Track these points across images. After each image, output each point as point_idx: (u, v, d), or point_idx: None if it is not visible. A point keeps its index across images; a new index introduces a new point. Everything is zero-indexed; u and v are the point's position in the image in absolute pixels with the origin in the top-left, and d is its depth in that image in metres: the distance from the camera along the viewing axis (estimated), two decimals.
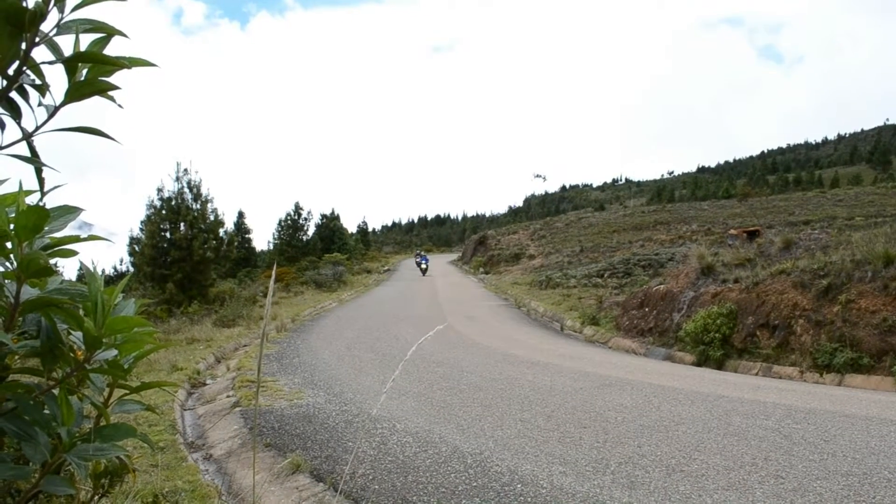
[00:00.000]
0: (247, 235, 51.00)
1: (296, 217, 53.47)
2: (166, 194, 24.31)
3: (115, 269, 51.35)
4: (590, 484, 4.98)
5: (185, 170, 24.72)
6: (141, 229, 24.49)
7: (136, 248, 24.25)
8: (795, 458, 5.64)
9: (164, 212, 24.03)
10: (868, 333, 11.23)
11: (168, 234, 24.06)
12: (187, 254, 23.42)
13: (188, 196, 24.69)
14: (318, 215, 58.76)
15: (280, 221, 53.85)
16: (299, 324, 18.80)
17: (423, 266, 44.22)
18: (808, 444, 6.13)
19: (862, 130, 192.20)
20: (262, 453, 6.28)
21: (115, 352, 1.17)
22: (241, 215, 53.14)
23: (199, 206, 24.69)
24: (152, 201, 24.21)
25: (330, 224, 56.95)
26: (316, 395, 8.74)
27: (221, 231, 25.73)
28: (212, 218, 25.09)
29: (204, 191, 25.12)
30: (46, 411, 1.07)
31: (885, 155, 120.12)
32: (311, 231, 55.07)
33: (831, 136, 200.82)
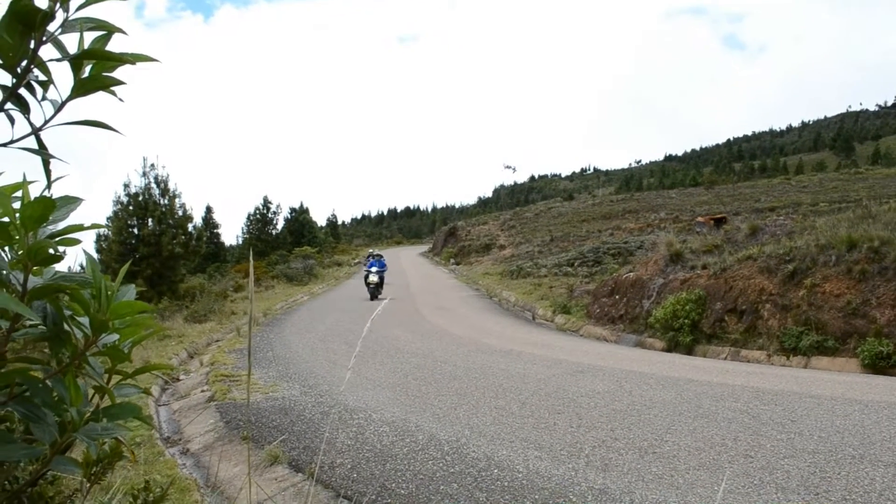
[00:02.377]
0: (215, 230, 50.50)
1: (265, 211, 53.14)
2: (133, 189, 24.00)
3: (81, 266, 50.55)
4: (565, 467, 5.08)
5: (152, 165, 24.45)
6: (107, 226, 24.16)
7: (104, 245, 23.91)
8: (763, 437, 5.79)
9: (131, 207, 23.73)
10: (833, 316, 11.50)
11: (136, 230, 23.78)
12: (156, 249, 23.19)
13: (156, 191, 24.42)
14: (287, 209, 58.34)
15: (249, 216, 53.51)
16: (271, 318, 18.74)
17: (374, 279, 24.00)
18: (775, 424, 6.29)
19: (825, 118, 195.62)
20: (240, 446, 6.30)
21: (116, 336, 1.21)
22: (209, 210, 52.63)
23: (166, 202, 24.44)
24: (119, 197, 23.90)
25: (299, 217, 56.64)
26: (291, 387, 8.76)
27: (190, 226, 25.49)
28: (180, 213, 24.84)
29: (171, 186, 24.87)
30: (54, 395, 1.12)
31: (848, 141, 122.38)
32: (280, 225, 54.78)
33: (795, 124, 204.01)
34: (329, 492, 4.79)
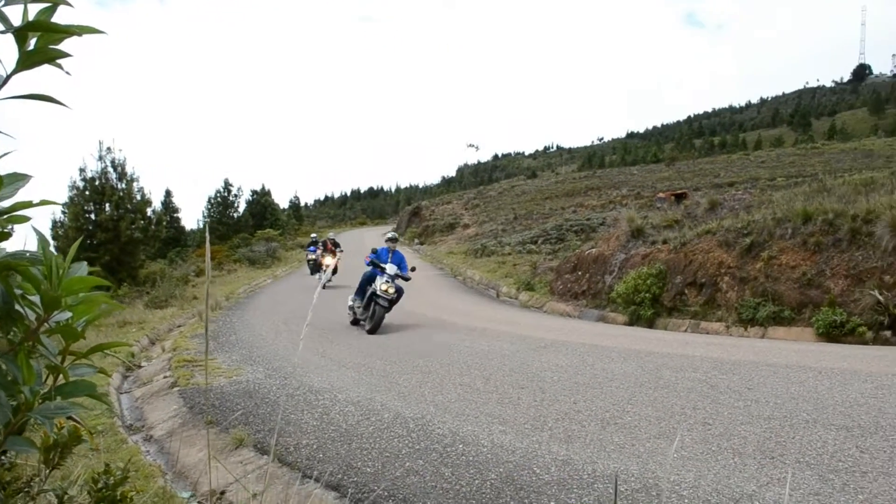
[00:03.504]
0: (175, 214, 49.72)
1: (225, 194, 52.45)
2: (89, 174, 23.55)
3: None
4: (528, 440, 5.15)
5: (109, 148, 24.04)
6: (63, 212, 23.70)
7: (60, 232, 23.45)
8: (721, 405, 5.93)
9: (87, 192, 23.29)
10: (789, 287, 11.76)
11: (93, 216, 23.37)
12: (114, 235, 22.83)
13: (112, 176, 24.01)
14: (249, 191, 57.74)
15: (209, 199, 52.77)
16: (234, 301, 18.59)
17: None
18: (733, 392, 6.44)
19: (783, 94, 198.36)
20: (204, 430, 6.26)
21: (69, 314, 1.20)
22: (168, 194, 51.92)
23: (124, 186, 24.06)
24: (74, 182, 23.44)
25: (261, 200, 56.01)
26: (255, 370, 8.72)
27: (149, 211, 25.16)
28: (138, 197, 24.48)
29: (129, 170, 24.48)
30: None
31: (805, 117, 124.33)
32: (241, 208, 54.12)
33: (754, 100, 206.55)
34: (294, 472, 4.80)
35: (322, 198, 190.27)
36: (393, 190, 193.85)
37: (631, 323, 13.51)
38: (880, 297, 10.58)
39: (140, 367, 10.55)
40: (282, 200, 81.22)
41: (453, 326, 12.47)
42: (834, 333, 10.58)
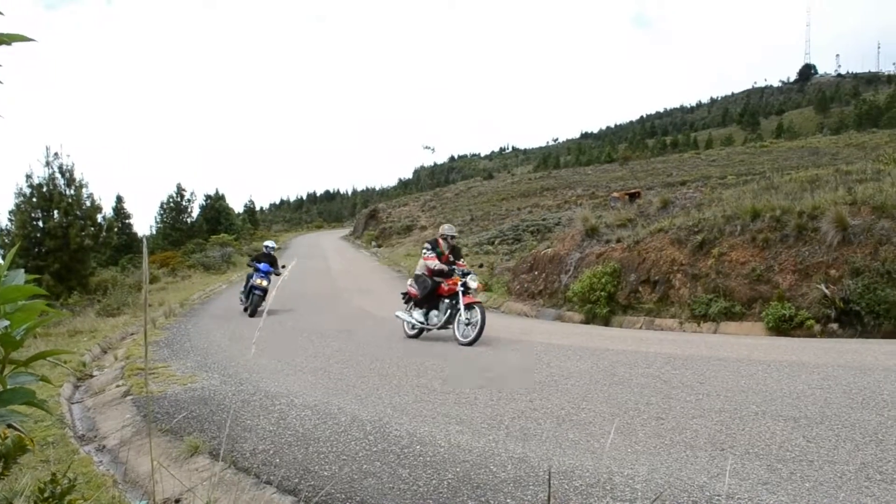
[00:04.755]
0: (127, 220, 48.74)
1: (178, 199, 51.63)
2: (36, 180, 22.99)
3: None
4: (485, 439, 5.18)
5: (56, 154, 23.48)
6: (10, 220, 23.09)
7: (7, 241, 22.84)
8: (674, 400, 6.05)
9: (34, 199, 22.73)
10: (739, 283, 12.02)
11: (41, 223, 22.81)
12: (63, 243, 22.31)
13: (61, 182, 23.47)
14: (202, 196, 56.87)
15: (162, 204, 51.90)
16: (188, 308, 18.33)
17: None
18: (685, 387, 6.57)
19: (732, 94, 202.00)
20: (158, 439, 6.17)
21: (6, 322, 1.19)
22: (119, 200, 50.74)
23: (73, 192, 23.53)
24: (21, 189, 22.86)
25: (215, 205, 55.25)
26: (210, 377, 8.61)
27: (99, 217, 24.64)
28: (88, 204, 23.96)
29: (78, 175, 23.95)
30: None
31: (754, 116, 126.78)
32: (195, 213, 53.34)
33: (705, 100, 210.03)
34: (251, 477, 4.76)
35: (278, 202, 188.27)
36: (349, 193, 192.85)
37: (587, 321, 13.67)
38: (827, 291, 10.87)
39: (92, 376, 10.34)
40: (236, 205, 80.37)
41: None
42: (783, 327, 10.85)
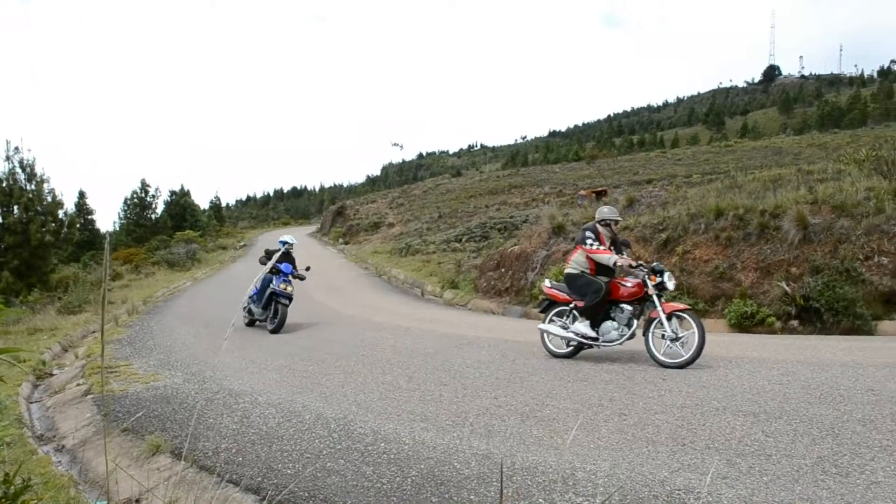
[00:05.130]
0: (89, 217, 48.03)
1: (143, 195, 50.98)
2: None
3: None
4: (450, 436, 5.19)
5: (17, 148, 23.02)
6: None
7: None
8: (637, 396, 6.11)
9: None
10: (703, 281, 12.17)
11: (0, 219, 22.36)
12: (23, 239, 21.89)
13: (21, 177, 23.02)
14: (167, 192, 56.19)
15: (126, 200, 51.23)
16: (152, 306, 18.08)
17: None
18: (648, 383, 6.64)
19: (699, 93, 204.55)
20: (119, 438, 6.08)
21: None
22: (81, 195, 49.93)
23: (34, 188, 23.10)
24: None
25: (180, 201, 54.62)
26: (173, 375, 8.51)
27: (61, 213, 24.23)
28: (49, 199, 23.53)
29: (39, 170, 23.53)
30: None
31: (719, 116, 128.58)
32: (160, 209, 52.70)
33: (671, 100, 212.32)
34: (213, 477, 4.71)
35: (244, 198, 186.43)
36: (317, 189, 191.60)
37: None
38: (787, 289, 11.05)
39: (52, 375, 10.16)
40: (202, 201, 79.40)
41: (377, 325, 12.44)
42: (745, 324, 11.00)
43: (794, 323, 10.89)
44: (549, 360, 8.34)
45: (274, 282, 12.25)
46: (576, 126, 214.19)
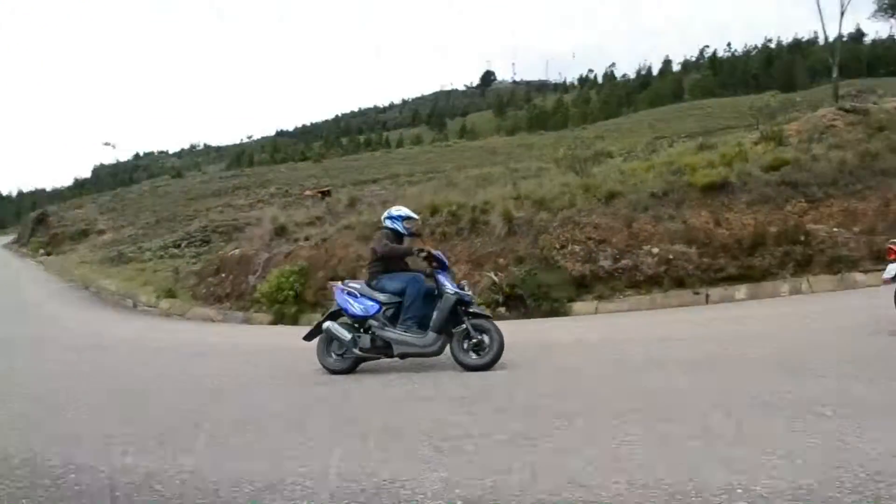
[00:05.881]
0: None
1: None
2: None
3: None
4: (153, 456, 4.81)
5: None
6: None
7: None
8: (351, 392, 6.13)
9: None
10: None
11: None
12: None
13: None
14: None
15: None
16: None
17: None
18: (356, 381, 6.70)
19: (422, 95, 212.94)
20: None
21: None
22: None
23: None
24: None
25: None
26: None
27: None
28: None
29: None
30: None
31: (441, 118, 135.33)
32: None
33: (397, 101, 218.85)
34: None
35: None
36: (14, 195, 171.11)
37: (276, 322, 13.49)
38: (496, 278, 11.87)
39: None
40: None
41: (67, 347, 11.33)
42: None
43: (502, 310, 11.71)
44: (261, 366, 8.13)
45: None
46: (304, 126, 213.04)
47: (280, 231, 16.07)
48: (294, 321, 13.18)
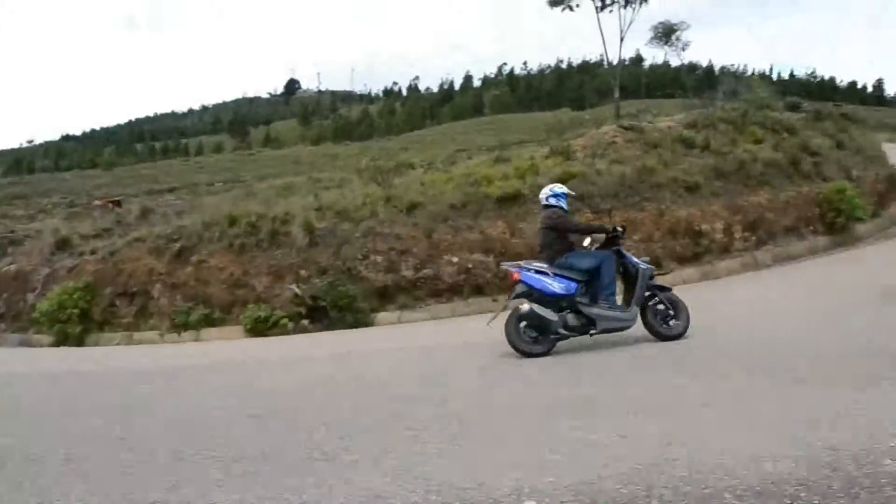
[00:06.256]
0: None
1: None
2: None
3: None
4: None
5: None
6: None
7: None
8: (135, 418, 5.79)
9: None
10: (218, 289, 12.24)
11: None
12: None
13: None
14: None
15: None
16: None
17: None
18: (150, 401, 6.37)
19: (224, 102, 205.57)
20: None
21: None
22: None
23: None
24: None
25: None
26: None
27: None
28: None
29: None
30: None
31: (244, 125, 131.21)
32: None
33: (196, 107, 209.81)
34: None
35: None
36: None
37: (59, 343, 12.43)
38: (298, 291, 11.72)
39: None
40: None
41: None
42: (260, 328, 11.35)
43: (306, 322, 11.58)
44: (39, 392, 7.49)
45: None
46: (93, 130, 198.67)
47: (63, 244, 14.82)
48: (79, 342, 12.20)
